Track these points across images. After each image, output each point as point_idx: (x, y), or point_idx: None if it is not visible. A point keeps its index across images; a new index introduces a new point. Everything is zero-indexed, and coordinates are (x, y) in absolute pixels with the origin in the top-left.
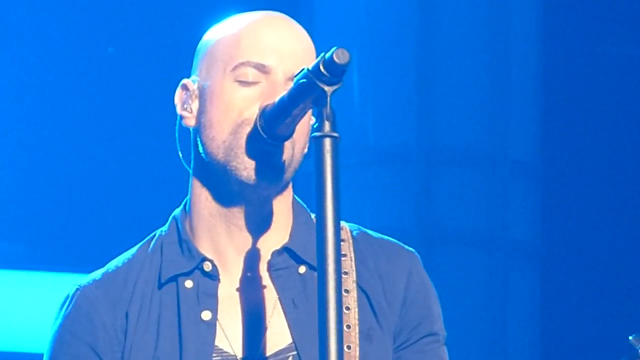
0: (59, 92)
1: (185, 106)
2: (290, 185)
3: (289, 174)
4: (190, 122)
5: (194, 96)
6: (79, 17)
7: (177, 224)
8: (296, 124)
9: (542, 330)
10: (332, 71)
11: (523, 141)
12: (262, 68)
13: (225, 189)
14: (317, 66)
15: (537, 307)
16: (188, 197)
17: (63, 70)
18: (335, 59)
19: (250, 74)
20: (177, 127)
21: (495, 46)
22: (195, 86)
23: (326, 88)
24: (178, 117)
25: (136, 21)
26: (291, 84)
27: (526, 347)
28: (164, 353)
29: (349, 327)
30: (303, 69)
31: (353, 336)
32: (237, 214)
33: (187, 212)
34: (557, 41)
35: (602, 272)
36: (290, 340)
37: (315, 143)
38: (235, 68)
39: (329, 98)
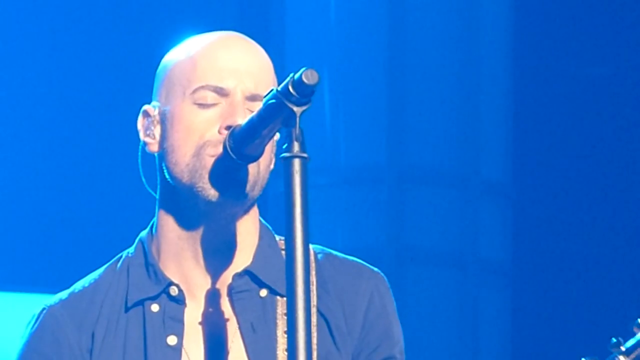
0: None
1: (147, 132)
2: (256, 207)
3: (255, 191)
4: (154, 147)
5: (155, 122)
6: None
7: (143, 247)
8: (265, 144)
9: (513, 349)
10: (301, 92)
11: (493, 160)
12: (220, 91)
13: (192, 211)
14: (286, 87)
15: (507, 325)
16: (154, 220)
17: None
18: (304, 79)
19: (209, 96)
20: (139, 153)
21: (465, 66)
22: (157, 112)
23: (295, 109)
24: (141, 143)
25: (98, 41)
26: (251, 103)
27: None
28: None
29: None
30: (272, 90)
31: None
32: (204, 236)
33: (154, 234)
34: (528, 61)
35: (572, 290)
36: None
37: (284, 164)
38: (194, 92)
39: (298, 119)
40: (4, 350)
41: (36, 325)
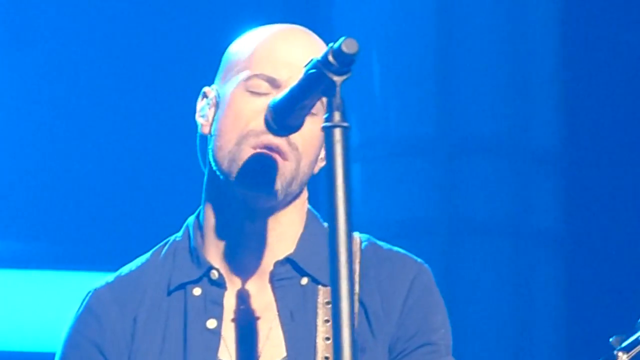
0: (81, 91)
1: (202, 113)
2: (305, 196)
3: (293, 188)
4: (206, 129)
5: (211, 104)
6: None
7: (189, 232)
8: (306, 115)
9: (568, 317)
10: (340, 61)
11: (545, 129)
12: (273, 82)
13: (231, 199)
14: (325, 56)
15: (562, 294)
16: (201, 206)
17: (82, 68)
18: (344, 48)
19: (262, 86)
20: (198, 135)
21: (514, 33)
22: (214, 94)
23: (335, 78)
24: (198, 125)
25: (163, 29)
26: None
27: (551, 335)
28: (169, 359)
29: None
30: (312, 60)
31: None
32: (244, 224)
33: (200, 221)
34: (578, 25)
35: (626, 258)
36: (285, 354)
37: (325, 134)
38: (248, 79)
39: (338, 88)
40: (53, 329)
41: (82, 308)
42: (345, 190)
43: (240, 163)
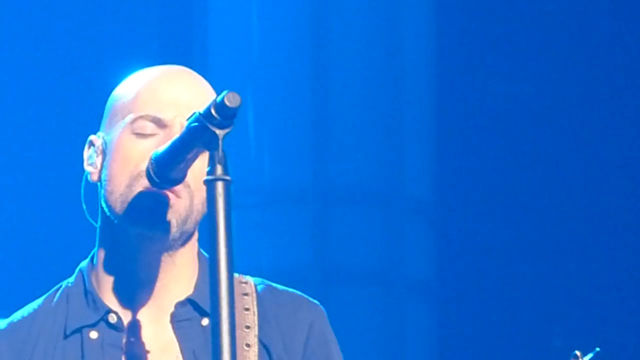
0: None
1: (90, 162)
2: (196, 236)
3: (188, 225)
4: (95, 177)
5: (98, 151)
6: None
7: (83, 276)
8: (189, 167)
9: None
10: (223, 114)
11: (418, 179)
12: (158, 122)
13: (127, 242)
14: (208, 110)
15: (434, 344)
16: (95, 250)
17: None
18: (226, 102)
19: (148, 127)
20: (83, 183)
21: (389, 87)
22: (100, 142)
23: (217, 131)
24: (85, 173)
25: (46, 80)
26: None
27: None
28: None
29: None
30: (195, 113)
31: None
32: (140, 267)
33: (94, 264)
34: (451, 80)
35: (497, 308)
36: None
37: (208, 187)
38: (133, 121)
39: (220, 141)
40: None
41: None
42: (227, 244)
43: (133, 204)
